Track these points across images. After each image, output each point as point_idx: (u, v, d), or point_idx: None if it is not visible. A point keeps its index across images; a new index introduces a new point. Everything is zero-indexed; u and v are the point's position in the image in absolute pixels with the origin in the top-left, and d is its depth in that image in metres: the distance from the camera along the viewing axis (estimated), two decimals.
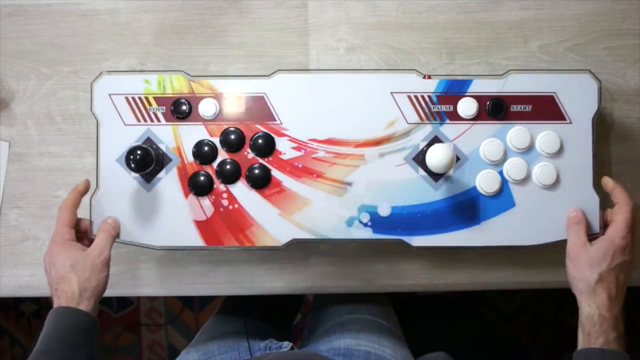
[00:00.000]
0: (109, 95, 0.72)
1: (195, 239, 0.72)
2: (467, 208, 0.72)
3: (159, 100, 0.72)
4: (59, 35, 0.78)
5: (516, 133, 0.71)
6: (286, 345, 0.82)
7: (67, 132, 0.79)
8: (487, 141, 0.71)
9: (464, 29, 0.77)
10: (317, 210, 0.72)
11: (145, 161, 0.68)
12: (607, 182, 0.70)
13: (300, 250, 0.81)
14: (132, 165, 0.67)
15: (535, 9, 0.76)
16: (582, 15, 0.77)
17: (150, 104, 0.72)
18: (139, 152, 0.67)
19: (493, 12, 0.77)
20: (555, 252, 0.82)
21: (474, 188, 0.72)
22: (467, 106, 0.71)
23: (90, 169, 0.80)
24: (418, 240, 0.72)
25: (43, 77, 0.79)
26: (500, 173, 0.72)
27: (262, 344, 0.83)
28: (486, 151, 0.71)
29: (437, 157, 0.66)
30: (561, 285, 0.84)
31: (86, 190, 0.71)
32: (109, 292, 0.84)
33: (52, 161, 0.80)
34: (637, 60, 0.77)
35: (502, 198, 0.72)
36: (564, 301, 1.59)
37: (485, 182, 0.71)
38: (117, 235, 0.71)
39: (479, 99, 0.71)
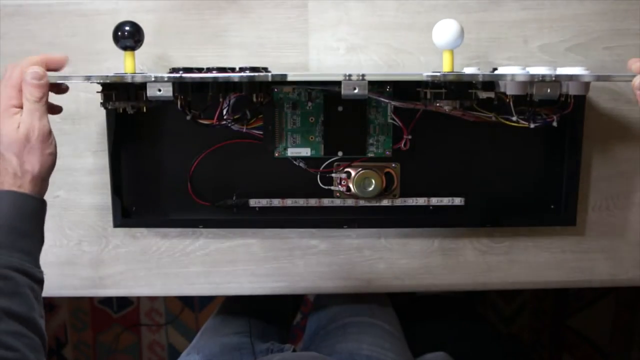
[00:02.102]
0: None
1: None
2: None
3: None
4: (59, 35, 0.78)
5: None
6: (288, 347, 0.82)
7: (67, 132, 0.79)
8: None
9: (464, 28, 0.77)
10: None
11: (134, 34, 0.64)
12: (635, 61, 0.60)
13: (300, 250, 0.81)
14: (119, 34, 0.63)
15: (535, 9, 0.76)
16: (582, 15, 0.76)
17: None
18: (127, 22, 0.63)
19: (493, 12, 0.77)
20: (555, 252, 0.82)
21: None
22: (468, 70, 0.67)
23: (91, 168, 0.80)
24: None
25: None
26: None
27: (264, 346, 0.82)
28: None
29: (443, 30, 0.61)
30: (561, 285, 0.84)
31: (60, 63, 0.61)
32: (109, 292, 0.85)
33: None
34: None
35: None
36: (564, 301, 1.59)
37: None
38: (47, 92, 0.58)
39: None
